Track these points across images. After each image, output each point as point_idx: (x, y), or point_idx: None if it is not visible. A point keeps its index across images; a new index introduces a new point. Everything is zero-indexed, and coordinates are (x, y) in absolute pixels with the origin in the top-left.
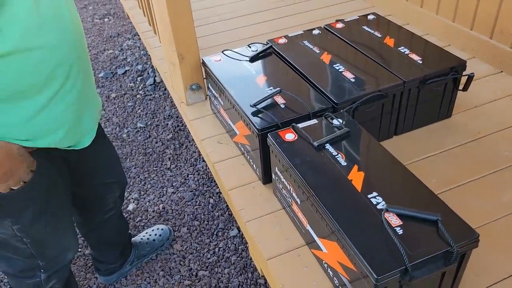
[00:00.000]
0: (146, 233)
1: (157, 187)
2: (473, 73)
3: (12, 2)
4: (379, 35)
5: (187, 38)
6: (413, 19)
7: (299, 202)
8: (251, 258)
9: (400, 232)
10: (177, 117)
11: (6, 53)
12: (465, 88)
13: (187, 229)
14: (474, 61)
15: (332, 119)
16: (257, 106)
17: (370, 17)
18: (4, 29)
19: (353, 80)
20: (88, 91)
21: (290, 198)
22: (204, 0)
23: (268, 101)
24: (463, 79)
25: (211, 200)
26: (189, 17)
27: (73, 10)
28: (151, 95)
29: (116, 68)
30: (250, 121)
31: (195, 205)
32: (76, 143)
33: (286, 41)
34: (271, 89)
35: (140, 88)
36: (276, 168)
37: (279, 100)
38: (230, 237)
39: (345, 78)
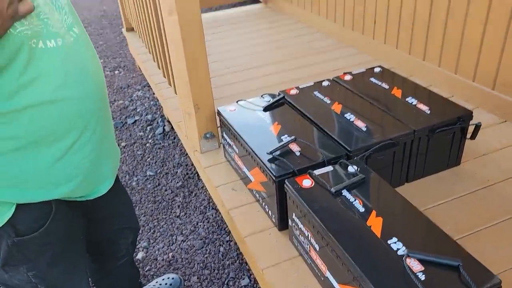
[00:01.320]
0: (157, 282)
1: (166, 235)
2: (480, 122)
3: (41, 56)
4: (386, 87)
5: (203, 90)
6: (416, 71)
7: (317, 248)
8: None
9: (423, 277)
10: (186, 165)
11: (31, 105)
12: (472, 137)
13: (197, 278)
14: (478, 111)
15: (347, 166)
16: (273, 154)
17: (377, 69)
18: (33, 83)
19: (364, 129)
20: (107, 140)
21: (307, 244)
22: (215, 54)
23: (284, 148)
24: (470, 128)
25: (221, 249)
26: (205, 71)
27: (97, 62)
28: (160, 144)
29: (126, 118)
30: (267, 168)
31: (205, 254)
32: (91, 191)
33: (298, 92)
34: (286, 137)
35: (149, 137)
36: (293, 214)
37: (294, 148)
38: (242, 286)
39: (356, 127)
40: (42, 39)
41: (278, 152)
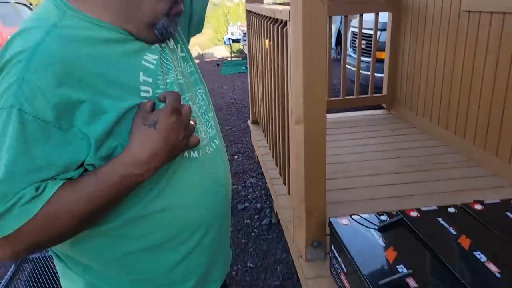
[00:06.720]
0: None
1: None
2: None
3: (184, 164)
4: None
5: (318, 197)
6: None
7: None
8: None
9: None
10: (287, 263)
11: (167, 208)
12: None
13: None
14: None
15: None
16: (387, 285)
17: None
18: (173, 189)
19: (498, 275)
20: (224, 246)
21: None
22: (330, 156)
23: (399, 282)
24: None
25: None
26: (323, 181)
27: (228, 171)
28: (265, 235)
29: (236, 203)
30: None
31: None
32: None
33: (419, 215)
34: (402, 268)
35: (255, 226)
36: None
37: (411, 283)
38: None
39: (488, 271)
40: (187, 150)
41: (392, 284)
